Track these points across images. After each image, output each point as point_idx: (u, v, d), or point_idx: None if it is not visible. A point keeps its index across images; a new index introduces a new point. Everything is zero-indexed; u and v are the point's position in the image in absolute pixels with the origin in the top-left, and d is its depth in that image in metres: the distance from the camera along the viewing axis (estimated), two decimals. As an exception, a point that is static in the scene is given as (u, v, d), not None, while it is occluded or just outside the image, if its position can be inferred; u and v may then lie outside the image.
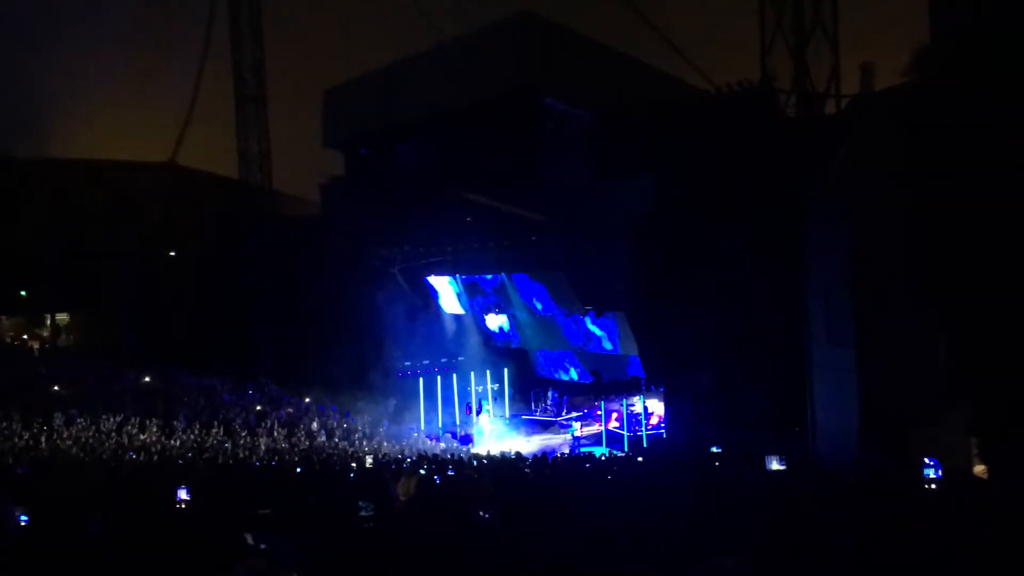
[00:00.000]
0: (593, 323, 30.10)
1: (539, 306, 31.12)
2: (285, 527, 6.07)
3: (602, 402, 28.45)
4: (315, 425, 28.18)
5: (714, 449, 18.11)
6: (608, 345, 30.42)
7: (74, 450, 20.07)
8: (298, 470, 17.82)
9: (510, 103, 28.10)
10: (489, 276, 32.08)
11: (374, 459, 19.14)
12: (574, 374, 33.32)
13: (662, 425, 26.83)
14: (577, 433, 28.97)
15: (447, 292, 34.84)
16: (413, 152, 31.65)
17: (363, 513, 6.45)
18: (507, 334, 34.59)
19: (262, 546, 5.06)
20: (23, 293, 42.06)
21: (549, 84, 28.26)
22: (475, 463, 19.38)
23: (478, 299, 33.69)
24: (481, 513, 6.23)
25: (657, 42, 31.89)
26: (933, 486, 9.56)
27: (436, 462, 18.65)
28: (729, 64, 26.01)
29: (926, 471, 9.98)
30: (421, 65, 32.04)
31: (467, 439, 30.24)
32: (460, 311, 35.05)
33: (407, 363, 32.95)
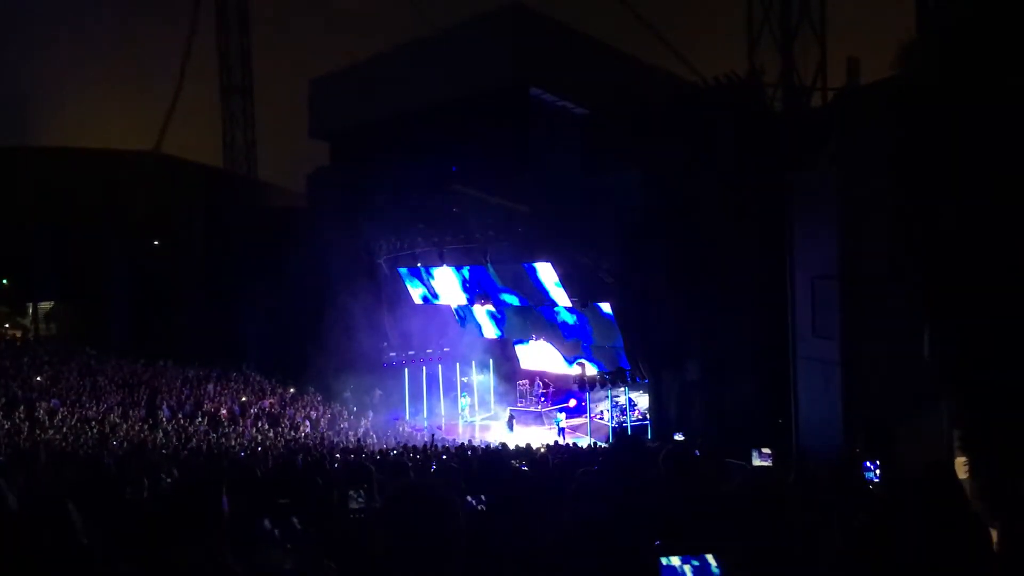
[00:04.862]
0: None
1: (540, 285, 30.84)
2: (304, 516, 6.08)
3: (587, 394, 28.48)
4: (300, 415, 28.13)
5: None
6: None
7: (56, 440, 19.95)
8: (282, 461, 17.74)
9: (498, 94, 28.05)
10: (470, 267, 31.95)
11: (358, 450, 19.13)
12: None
13: (645, 417, 26.94)
14: (562, 424, 29.01)
15: (417, 285, 34.70)
16: (399, 143, 31.53)
17: (353, 505, 6.43)
18: (477, 323, 34.48)
19: (276, 532, 5.05)
20: (4, 281, 41.72)
21: (537, 76, 28.22)
22: (460, 455, 19.36)
23: (466, 289, 33.58)
24: (472, 503, 6.23)
25: (646, 35, 31.89)
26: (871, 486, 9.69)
27: (420, 453, 18.63)
28: (717, 58, 26.05)
29: (866, 473, 10.10)
30: (409, 56, 31.92)
31: (451, 430, 30.24)
32: (435, 302, 34.92)
33: (392, 353, 32.90)
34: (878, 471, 10.00)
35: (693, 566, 3.27)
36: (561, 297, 28.53)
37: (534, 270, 28.30)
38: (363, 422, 29.33)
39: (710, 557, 3.28)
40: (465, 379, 32.83)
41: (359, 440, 24.46)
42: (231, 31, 36.76)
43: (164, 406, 26.28)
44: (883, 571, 3.59)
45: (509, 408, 31.52)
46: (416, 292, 34.72)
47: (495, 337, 34.49)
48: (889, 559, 3.52)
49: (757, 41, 22.93)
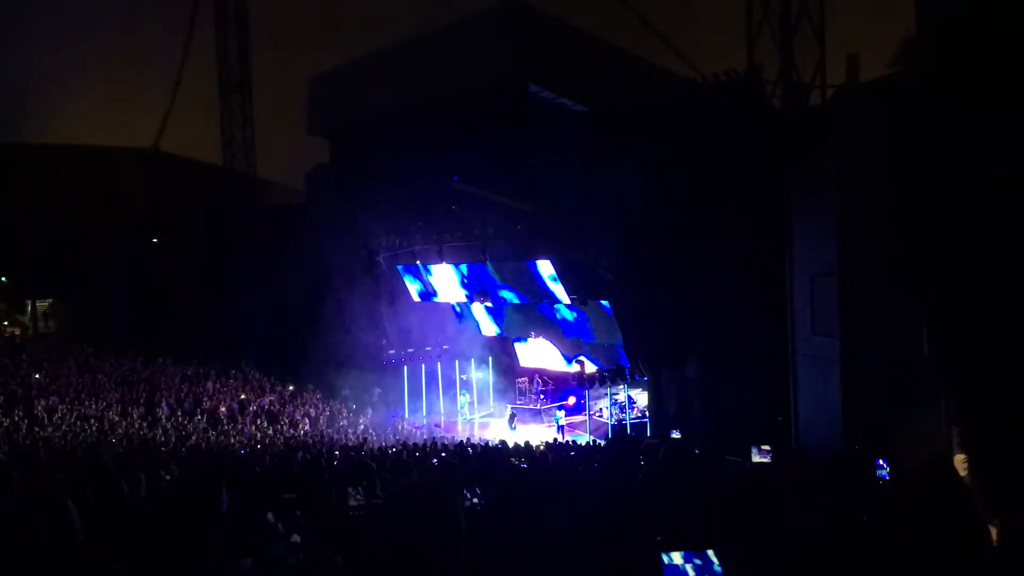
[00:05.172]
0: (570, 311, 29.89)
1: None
2: (307, 512, 6.09)
3: (586, 391, 28.49)
4: (299, 413, 28.13)
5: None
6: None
7: (56, 438, 19.95)
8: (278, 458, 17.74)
9: (497, 92, 28.02)
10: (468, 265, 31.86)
11: (358, 447, 19.13)
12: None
13: (645, 415, 26.94)
14: (562, 422, 29.02)
15: (414, 281, 34.60)
16: (399, 140, 31.50)
17: (352, 502, 6.44)
18: (475, 320, 34.41)
19: (280, 527, 5.06)
20: (3, 279, 41.71)
21: (536, 73, 28.21)
22: (460, 452, 19.37)
23: (464, 286, 33.53)
24: (469, 498, 6.25)
25: (645, 32, 31.88)
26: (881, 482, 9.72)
27: (420, 450, 18.64)
28: (716, 55, 26.05)
29: (878, 472, 10.14)
30: (408, 53, 31.89)
31: (450, 427, 30.25)
32: (434, 299, 34.84)
33: (392, 351, 32.89)
34: (888, 469, 10.04)
35: (695, 564, 3.28)
36: (561, 293, 28.48)
37: (535, 267, 28.26)
38: (362, 420, 29.34)
39: (712, 555, 3.28)
40: (464, 376, 32.81)
41: (363, 438, 24.46)
42: (230, 28, 36.63)
43: (163, 404, 26.29)
44: (884, 567, 3.60)
45: (510, 406, 31.52)
46: (413, 288, 34.69)
47: (494, 335, 34.46)
48: (890, 555, 3.53)
49: (756, 39, 22.91)
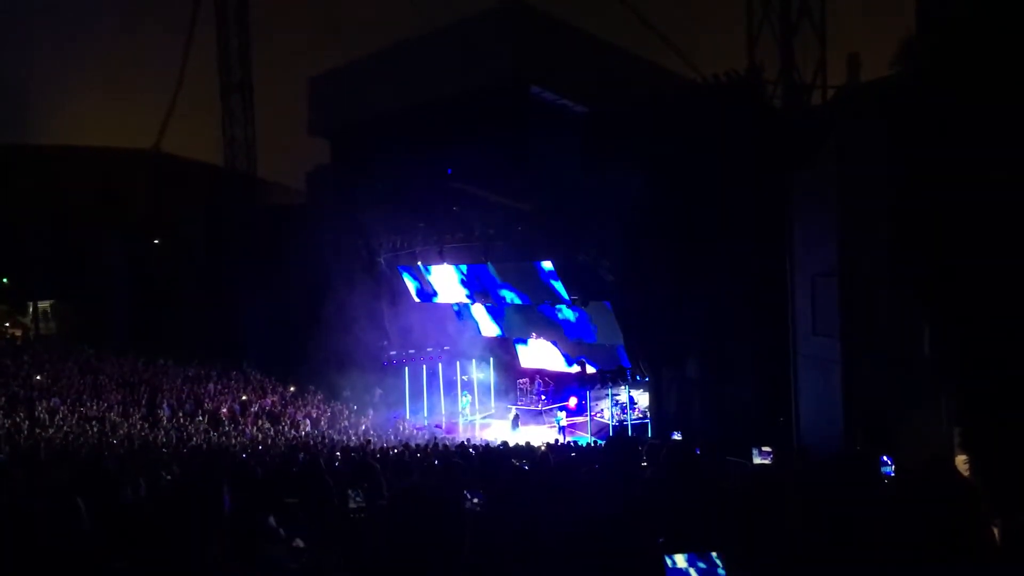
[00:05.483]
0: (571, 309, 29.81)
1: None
2: (309, 514, 6.08)
3: (588, 392, 28.48)
4: (300, 414, 28.13)
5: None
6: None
7: (57, 439, 19.94)
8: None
9: (498, 92, 28.03)
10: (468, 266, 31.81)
11: (360, 448, 19.11)
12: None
13: (646, 415, 26.93)
14: (563, 423, 29.01)
15: (411, 280, 34.56)
16: (399, 140, 31.50)
17: (352, 505, 6.44)
18: (475, 320, 34.36)
19: (282, 531, 5.06)
20: (4, 280, 41.74)
21: (537, 73, 28.22)
22: (462, 453, 19.35)
23: (465, 285, 33.50)
24: (471, 498, 6.25)
25: (645, 32, 31.91)
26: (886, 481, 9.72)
27: (421, 451, 18.63)
28: (716, 55, 26.06)
29: (883, 469, 10.14)
30: (408, 53, 31.90)
31: (451, 428, 30.24)
32: (434, 300, 34.79)
33: (393, 352, 32.87)
34: (892, 467, 10.02)
35: (699, 568, 3.27)
36: (564, 292, 28.46)
37: (540, 266, 28.24)
38: (363, 421, 29.33)
39: (716, 557, 3.28)
40: (465, 377, 32.78)
41: (366, 439, 24.44)
42: (230, 29, 36.63)
43: (165, 405, 26.30)
44: (885, 567, 3.60)
45: (513, 407, 31.50)
46: (412, 287, 34.69)
47: (495, 335, 34.43)
48: (891, 555, 3.53)
49: (756, 38, 22.92)
